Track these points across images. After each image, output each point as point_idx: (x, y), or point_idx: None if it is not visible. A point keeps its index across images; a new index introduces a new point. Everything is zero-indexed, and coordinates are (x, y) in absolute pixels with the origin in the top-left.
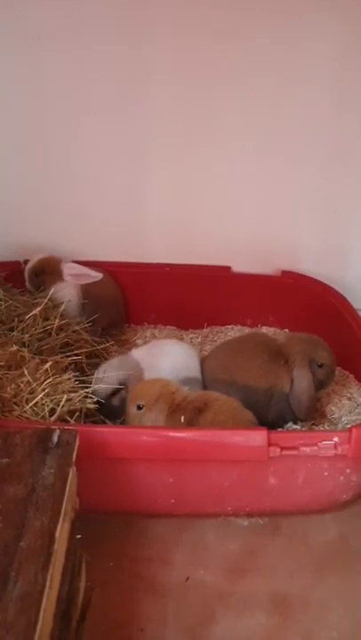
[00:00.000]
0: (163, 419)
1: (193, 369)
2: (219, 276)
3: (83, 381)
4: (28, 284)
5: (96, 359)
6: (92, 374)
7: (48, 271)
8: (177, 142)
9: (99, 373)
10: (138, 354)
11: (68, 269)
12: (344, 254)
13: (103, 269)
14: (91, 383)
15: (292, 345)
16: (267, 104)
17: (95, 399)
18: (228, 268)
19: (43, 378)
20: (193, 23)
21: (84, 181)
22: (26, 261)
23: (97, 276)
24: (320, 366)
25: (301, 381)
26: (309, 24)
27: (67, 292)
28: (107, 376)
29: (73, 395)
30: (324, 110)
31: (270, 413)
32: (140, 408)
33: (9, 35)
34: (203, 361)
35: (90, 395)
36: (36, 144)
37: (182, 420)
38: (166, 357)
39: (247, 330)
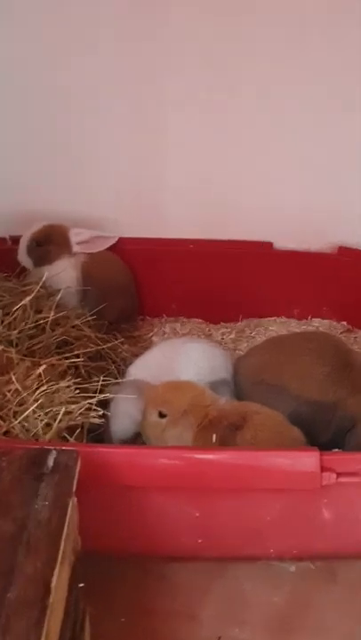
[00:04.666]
0: (190, 437)
1: (220, 369)
2: (257, 254)
3: (85, 389)
4: (24, 256)
5: (102, 361)
6: (97, 381)
7: (55, 240)
8: (203, 92)
9: (116, 407)
10: (150, 359)
11: (76, 236)
12: None
13: (112, 248)
14: (95, 391)
15: None
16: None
17: (101, 412)
18: (269, 245)
19: (35, 385)
20: None
21: (88, 140)
22: (13, 238)
23: (112, 238)
24: None
25: None
26: None
27: (65, 276)
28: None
29: (73, 406)
30: None
31: (323, 434)
32: (162, 416)
33: None
34: (239, 360)
35: (95, 406)
36: (27, 97)
37: (214, 438)
38: (188, 359)
39: (293, 323)
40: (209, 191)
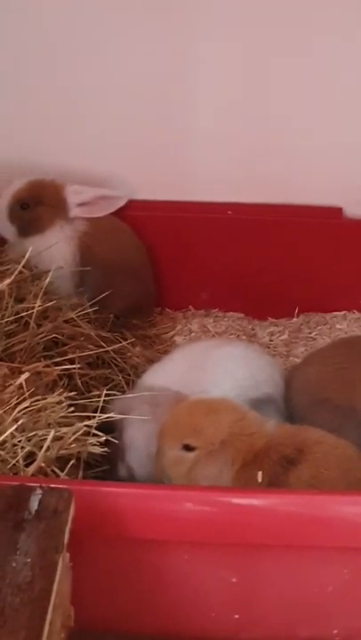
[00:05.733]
0: (231, 475)
1: (266, 383)
2: (321, 224)
3: (82, 407)
4: (4, 223)
5: (105, 369)
6: (98, 395)
7: (47, 200)
8: (240, 16)
9: (133, 430)
10: (170, 368)
11: (75, 195)
12: None
13: (120, 215)
14: (95, 409)
15: None
16: None
17: (103, 438)
18: (337, 211)
19: (14, 400)
20: None
21: (88, 69)
22: None
23: (121, 198)
24: None
25: None
26: None
27: (56, 252)
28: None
29: (65, 430)
30: None
31: None
32: (189, 449)
33: None
34: (294, 371)
35: (95, 431)
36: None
37: (259, 477)
38: (222, 369)
39: None
40: (251, 138)
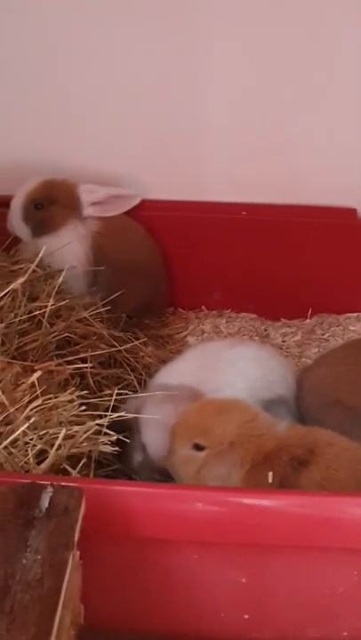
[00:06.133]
0: (240, 476)
1: (279, 383)
2: (336, 224)
3: (94, 406)
4: (19, 224)
5: (117, 369)
6: (109, 395)
7: (60, 200)
8: (250, 14)
9: (147, 437)
10: (182, 368)
11: (88, 194)
12: None
13: (134, 214)
14: (107, 409)
15: None
16: None
17: (114, 437)
18: (352, 212)
19: (26, 398)
20: None
21: (100, 68)
22: (0, 199)
23: (135, 197)
24: None
25: None
26: None
27: (69, 251)
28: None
29: (76, 428)
30: None
31: None
32: (199, 449)
33: None
34: (306, 372)
35: (106, 430)
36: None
37: (270, 478)
38: (234, 369)
39: None
40: (265, 137)
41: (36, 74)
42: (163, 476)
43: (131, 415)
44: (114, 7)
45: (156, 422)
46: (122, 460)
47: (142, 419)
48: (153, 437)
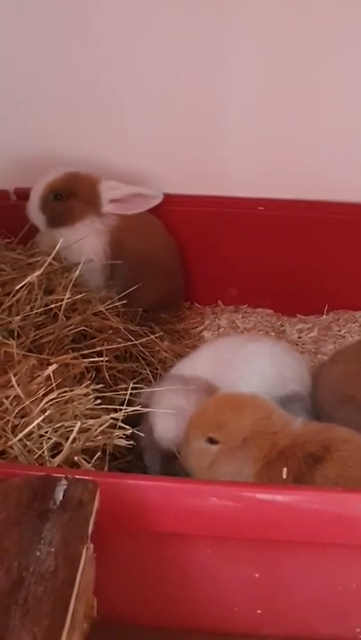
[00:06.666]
0: (253, 472)
1: (294, 380)
2: (353, 220)
3: (109, 400)
4: (36, 212)
5: (132, 363)
6: (125, 389)
7: (80, 194)
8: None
9: (159, 428)
10: (198, 363)
11: (109, 191)
12: None
13: (151, 209)
14: (122, 402)
15: None
16: None
17: (129, 431)
18: None
19: (42, 391)
20: None
21: (124, 67)
22: (20, 191)
23: (157, 197)
24: None
25: None
26: None
27: (87, 245)
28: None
29: (92, 422)
30: None
31: None
32: (213, 442)
33: None
34: (322, 368)
35: (121, 424)
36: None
37: (284, 474)
38: (250, 365)
39: None
40: (285, 135)
41: (66, 76)
42: (167, 459)
43: (145, 410)
44: (139, 9)
45: (164, 406)
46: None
47: (152, 402)
48: (161, 421)
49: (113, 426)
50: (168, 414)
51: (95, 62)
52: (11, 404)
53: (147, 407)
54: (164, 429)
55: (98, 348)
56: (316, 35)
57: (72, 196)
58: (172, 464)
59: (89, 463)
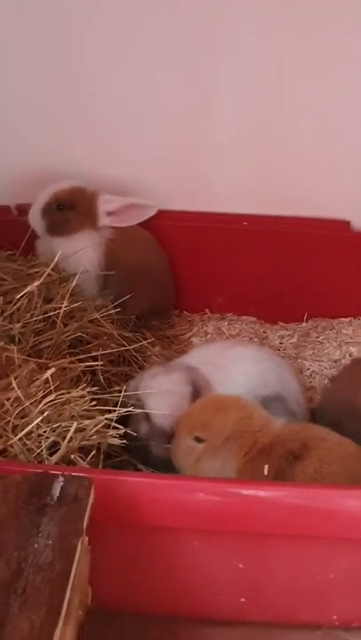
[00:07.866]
0: (235, 468)
1: (275, 383)
2: (330, 236)
3: (103, 401)
4: (37, 218)
5: (126, 367)
6: (118, 391)
7: (80, 207)
8: (261, 32)
9: (153, 408)
10: (190, 362)
11: (106, 204)
12: None
13: (144, 224)
14: (116, 404)
15: None
16: None
17: (122, 431)
18: (345, 224)
19: (40, 393)
20: None
21: (119, 87)
22: (21, 207)
23: (151, 207)
24: None
25: None
26: None
27: (83, 256)
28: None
29: (87, 422)
30: None
31: None
32: (199, 441)
33: None
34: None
35: (115, 424)
36: (43, 34)
37: (266, 470)
38: (234, 368)
39: None
40: (269, 155)
41: (64, 92)
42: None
43: (138, 411)
44: (137, 28)
45: (156, 389)
46: (129, 447)
47: (141, 387)
48: (155, 405)
49: (107, 426)
50: (159, 395)
51: (95, 80)
52: (11, 406)
53: (138, 400)
54: (157, 408)
55: (93, 353)
56: (302, 57)
57: (72, 208)
58: None
59: (84, 461)
